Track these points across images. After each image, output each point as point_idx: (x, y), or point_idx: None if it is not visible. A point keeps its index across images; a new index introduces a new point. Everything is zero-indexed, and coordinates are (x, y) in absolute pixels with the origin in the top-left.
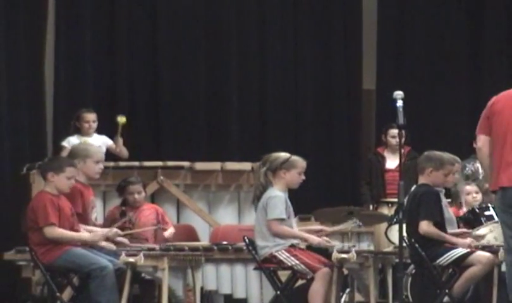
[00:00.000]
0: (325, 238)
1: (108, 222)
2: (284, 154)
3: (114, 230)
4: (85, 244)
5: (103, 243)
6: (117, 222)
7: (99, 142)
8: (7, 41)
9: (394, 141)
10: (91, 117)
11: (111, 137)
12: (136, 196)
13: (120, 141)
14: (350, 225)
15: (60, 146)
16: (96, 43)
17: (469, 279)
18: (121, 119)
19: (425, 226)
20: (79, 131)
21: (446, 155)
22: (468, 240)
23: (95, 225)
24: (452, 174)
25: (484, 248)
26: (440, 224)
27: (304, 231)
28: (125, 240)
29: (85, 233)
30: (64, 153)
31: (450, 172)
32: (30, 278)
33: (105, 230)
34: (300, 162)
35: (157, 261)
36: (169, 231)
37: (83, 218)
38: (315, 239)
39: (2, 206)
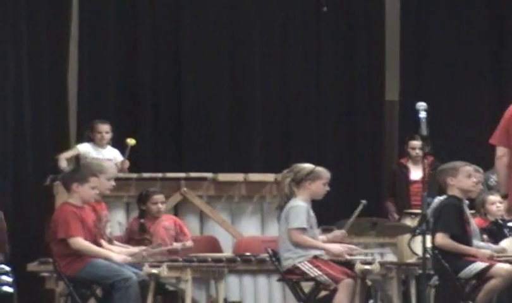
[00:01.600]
0: (350, 246)
1: (127, 235)
2: (308, 166)
3: (139, 254)
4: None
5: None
6: (136, 235)
7: (111, 155)
8: (30, 53)
9: (414, 153)
10: (104, 128)
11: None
12: (160, 205)
13: (126, 163)
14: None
15: (73, 147)
16: (119, 54)
17: (490, 291)
18: (130, 141)
19: (440, 239)
20: (92, 141)
21: (458, 162)
22: (488, 252)
23: (110, 240)
24: (475, 181)
25: (506, 261)
26: (462, 237)
27: (327, 239)
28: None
29: (110, 252)
30: (71, 152)
31: (468, 172)
32: (54, 289)
33: (130, 251)
34: (325, 173)
35: (181, 272)
36: (187, 244)
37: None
38: (336, 249)
39: (25, 217)
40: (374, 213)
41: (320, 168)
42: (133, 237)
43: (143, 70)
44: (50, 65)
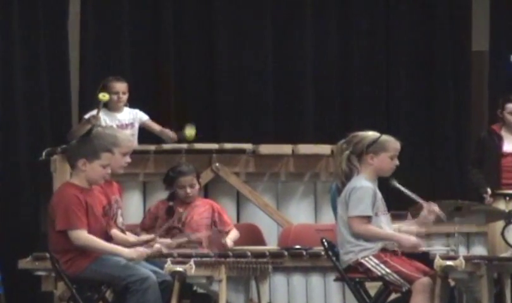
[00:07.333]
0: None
1: (150, 221)
2: (371, 134)
3: (157, 246)
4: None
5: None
6: (162, 222)
7: (130, 117)
8: (21, 7)
9: (510, 118)
10: (120, 87)
11: (149, 113)
12: (189, 190)
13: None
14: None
15: (82, 119)
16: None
17: None
18: (103, 97)
19: None
20: (106, 104)
21: None
22: None
23: (122, 231)
24: None
25: None
26: None
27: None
28: (167, 241)
29: (121, 248)
30: (81, 129)
31: None
32: (52, 292)
33: (143, 238)
34: (392, 143)
35: (212, 270)
36: (233, 236)
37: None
38: (409, 241)
39: (16, 201)
40: (458, 194)
41: (385, 137)
42: (158, 222)
43: (167, 18)
44: (46, 20)
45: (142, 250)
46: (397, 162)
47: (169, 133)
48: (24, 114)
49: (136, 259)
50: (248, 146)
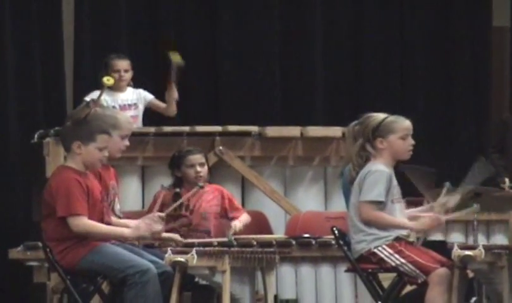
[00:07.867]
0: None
1: (155, 210)
2: (377, 117)
3: (157, 214)
4: (124, 240)
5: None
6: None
7: (133, 97)
8: None
9: None
10: (122, 64)
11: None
12: (199, 168)
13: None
14: (472, 211)
15: (82, 102)
16: None
17: None
18: (108, 81)
19: None
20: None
21: None
22: None
23: (119, 218)
24: None
25: None
26: None
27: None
28: (176, 236)
29: (120, 228)
30: (79, 113)
31: None
32: (45, 283)
33: (147, 217)
34: (399, 123)
35: (216, 260)
36: (243, 221)
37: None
38: (423, 225)
39: (6, 186)
40: None
41: (391, 118)
42: (164, 211)
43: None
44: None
45: (144, 223)
46: (411, 141)
47: (171, 92)
48: (16, 94)
49: (144, 233)
50: (253, 129)
